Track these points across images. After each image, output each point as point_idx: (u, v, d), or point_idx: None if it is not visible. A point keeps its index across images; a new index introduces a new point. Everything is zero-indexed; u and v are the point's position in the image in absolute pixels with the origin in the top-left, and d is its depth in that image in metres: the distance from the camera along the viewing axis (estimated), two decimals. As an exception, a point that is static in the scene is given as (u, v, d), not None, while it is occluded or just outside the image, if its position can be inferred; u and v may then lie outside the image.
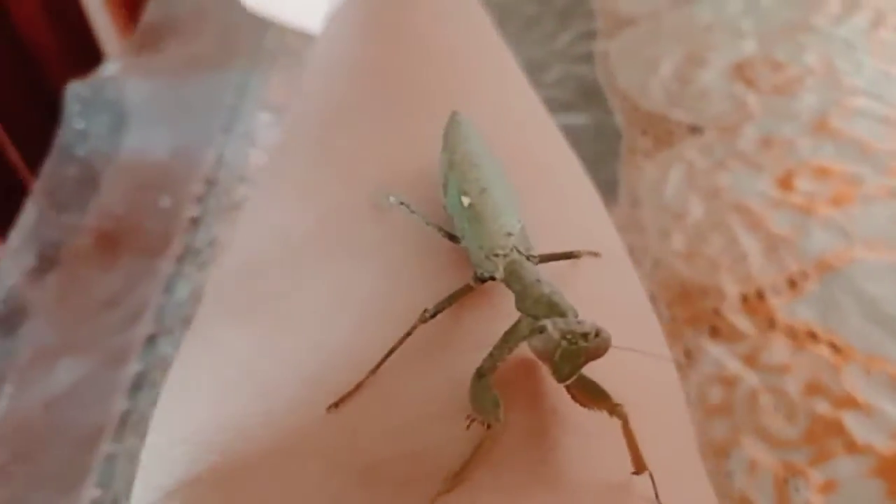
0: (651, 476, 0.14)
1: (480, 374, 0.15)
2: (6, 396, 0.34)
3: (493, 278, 0.17)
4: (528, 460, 0.14)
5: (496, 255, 0.17)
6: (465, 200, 0.18)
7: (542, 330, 0.14)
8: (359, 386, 0.16)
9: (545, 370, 0.14)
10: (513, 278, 0.16)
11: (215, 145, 0.42)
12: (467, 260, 0.18)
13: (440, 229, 0.18)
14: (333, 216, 0.20)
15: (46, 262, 0.38)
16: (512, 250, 0.17)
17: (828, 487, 0.28)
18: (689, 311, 0.33)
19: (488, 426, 0.14)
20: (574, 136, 0.40)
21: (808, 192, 0.38)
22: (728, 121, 0.42)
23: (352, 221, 0.20)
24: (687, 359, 0.32)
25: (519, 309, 0.16)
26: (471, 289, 0.17)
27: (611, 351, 0.14)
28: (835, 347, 0.32)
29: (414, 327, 0.16)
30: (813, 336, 0.32)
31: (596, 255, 0.19)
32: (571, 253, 0.18)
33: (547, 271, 0.17)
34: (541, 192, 0.21)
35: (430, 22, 0.28)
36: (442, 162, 0.20)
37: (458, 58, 0.27)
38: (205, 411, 0.17)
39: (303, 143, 0.24)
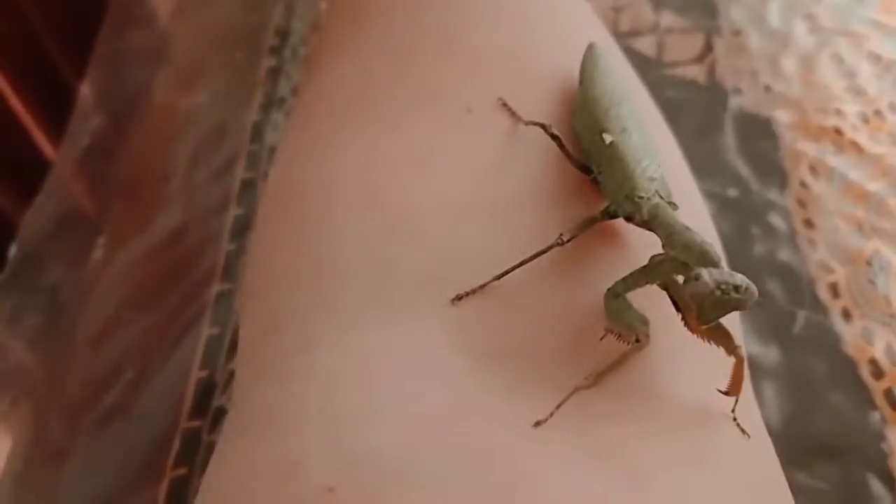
0: (737, 398, 0.16)
1: (616, 294, 0.16)
2: (101, 247, 0.33)
3: (628, 218, 0.17)
4: (629, 373, 0.16)
5: (640, 198, 0.17)
6: (607, 138, 0.18)
7: (697, 277, 0.15)
8: (483, 286, 0.16)
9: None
10: (657, 222, 0.17)
11: (283, -2, 0.40)
12: (595, 190, 0.18)
13: (576, 161, 0.18)
14: (461, 116, 0.20)
15: (123, 119, 0.37)
16: (654, 194, 0.17)
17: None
18: (810, 131, 0.32)
19: (636, 340, 0.15)
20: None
21: (914, 15, 0.36)
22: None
23: (482, 125, 0.19)
24: (813, 175, 0.31)
25: (667, 251, 0.16)
26: (597, 220, 0.17)
27: None
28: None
29: (550, 247, 0.16)
30: (939, 149, 0.31)
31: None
32: None
33: None
34: None
35: None
36: (579, 94, 0.19)
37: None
38: (316, 294, 0.17)
39: (433, 32, 0.23)
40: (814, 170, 0.31)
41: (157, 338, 0.29)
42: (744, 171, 0.31)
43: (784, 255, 0.29)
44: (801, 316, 0.27)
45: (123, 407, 0.28)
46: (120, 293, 0.31)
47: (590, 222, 0.17)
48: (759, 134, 0.32)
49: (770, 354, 0.26)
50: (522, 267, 0.16)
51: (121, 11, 0.43)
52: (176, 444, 0.26)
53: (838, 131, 0.32)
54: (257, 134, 0.34)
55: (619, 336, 0.15)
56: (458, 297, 0.16)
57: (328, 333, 0.17)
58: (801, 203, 0.30)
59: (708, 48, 0.35)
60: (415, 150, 0.19)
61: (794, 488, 0.20)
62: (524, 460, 0.14)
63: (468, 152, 0.19)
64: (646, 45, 0.35)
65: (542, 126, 0.18)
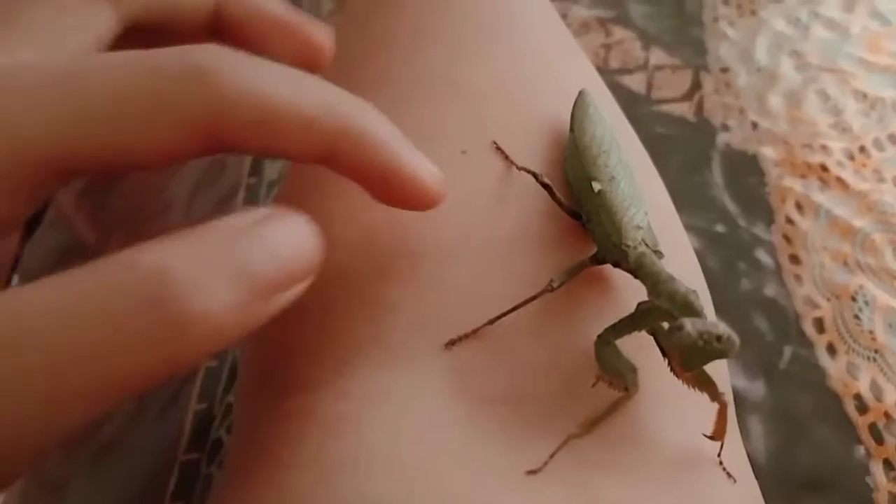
0: (722, 443, 0.16)
1: (606, 342, 0.16)
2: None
3: (616, 264, 0.18)
4: (620, 420, 0.16)
5: (626, 246, 0.17)
6: (596, 186, 0.18)
7: (680, 328, 0.15)
8: (476, 331, 0.17)
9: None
10: (643, 271, 0.17)
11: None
12: (586, 234, 0.19)
13: (567, 208, 0.19)
14: (456, 158, 0.20)
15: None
16: (641, 243, 0.18)
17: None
18: (797, 167, 0.33)
19: (626, 389, 0.15)
20: (657, 6, 0.40)
21: (898, 53, 0.37)
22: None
23: (476, 168, 0.20)
24: (799, 211, 0.31)
25: (652, 300, 0.17)
26: (587, 266, 0.18)
27: None
28: (949, 194, 0.31)
29: (540, 294, 0.17)
30: (922, 186, 0.32)
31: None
32: None
33: None
34: None
35: None
36: (569, 141, 0.20)
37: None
38: (317, 334, 0.18)
39: (428, 74, 0.23)
40: (800, 206, 0.32)
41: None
42: (731, 206, 0.32)
43: (770, 290, 0.29)
44: (788, 351, 0.28)
45: (122, 440, 0.28)
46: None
47: (579, 268, 0.18)
48: (746, 170, 0.33)
49: (756, 389, 0.27)
50: (514, 312, 0.17)
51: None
52: (174, 477, 0.26)
53: (824, 168, 0.33)
54: (256, 167, 0.35)
55: (611, 383, 0.16)
56: (452, 342, 0.17)
57: (326, 375, 0.17)
58: (788, 239, 0.31)
59: (696, 85, 0.36)
60: None
61: (780, 523, 0.20)
62: None
63: (462, 195, 0.19)
64: (635, 82, 0.36)
65: (534, 174, 0.19)
